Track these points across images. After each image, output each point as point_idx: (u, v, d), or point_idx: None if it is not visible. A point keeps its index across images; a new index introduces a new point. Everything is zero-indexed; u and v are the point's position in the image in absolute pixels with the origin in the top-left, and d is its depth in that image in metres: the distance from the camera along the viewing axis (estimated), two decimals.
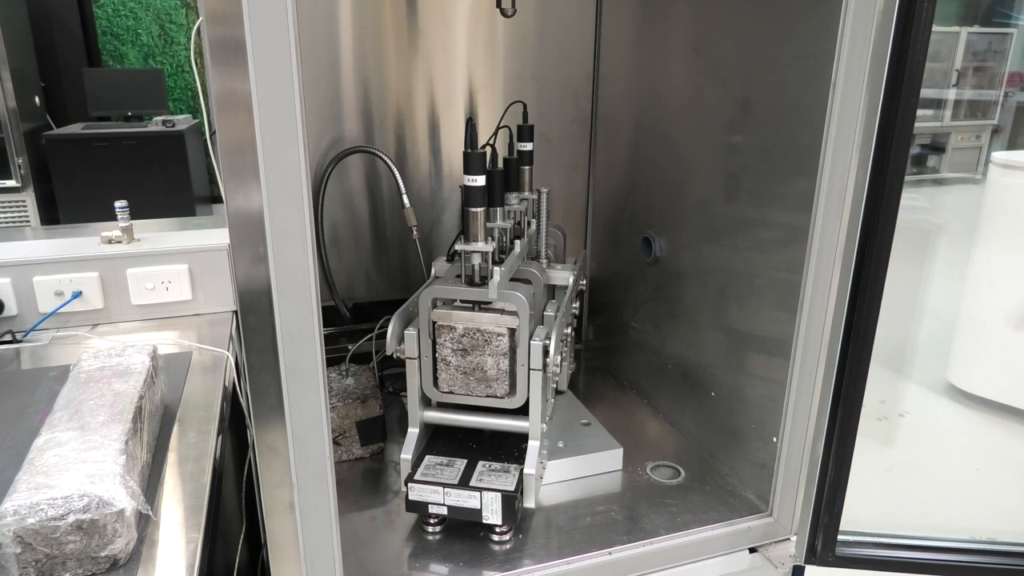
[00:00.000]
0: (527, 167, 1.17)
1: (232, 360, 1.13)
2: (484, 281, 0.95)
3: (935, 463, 1.97)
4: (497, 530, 0.95)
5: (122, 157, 3.61)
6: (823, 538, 1.00)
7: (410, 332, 0.98)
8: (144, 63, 4.31)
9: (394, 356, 0.99)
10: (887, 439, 2.09)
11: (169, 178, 3.69)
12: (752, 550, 1.02)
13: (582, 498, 1.05)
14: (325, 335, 0.70)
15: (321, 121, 1.30)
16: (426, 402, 1.04)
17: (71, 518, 0.64)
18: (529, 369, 0.96)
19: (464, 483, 0.95)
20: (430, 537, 0.96)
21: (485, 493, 0.93)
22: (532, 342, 0.95)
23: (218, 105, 0.60)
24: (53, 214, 3.56)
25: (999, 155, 2.31)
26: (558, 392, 1.26)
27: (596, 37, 1.41)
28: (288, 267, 0.65)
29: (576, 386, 1.40)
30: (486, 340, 0.97)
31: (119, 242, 1.30)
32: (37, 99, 3.72)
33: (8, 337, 1.20)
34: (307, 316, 0.67)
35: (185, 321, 1.29)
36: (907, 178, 0.86)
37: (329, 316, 1.39)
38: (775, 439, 0.99)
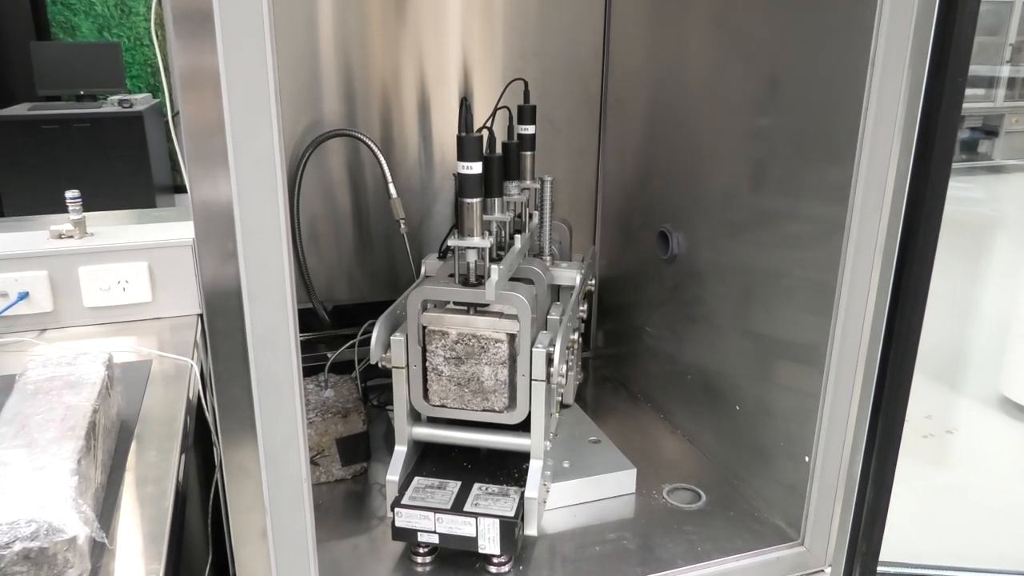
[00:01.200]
0: (529, 153, 1.17)
1: (197, 370, 1.13)
2: (480, 281, 0.96)
3: (987, 485, 1.97)
4: (495, 560, 0.96)
5: (74, 141, 3.61)
6: (861, 569, 1.01)
7: (397, 338, 0.98)
8: (99, 36, 4.31)
9: (379, 365, 1.00)
10: (933, 458, 2.09)
11: (126, 165, 3.69)
12: None
13: (590, 525, 1.05)
14: (302, 341, 0.70)
15: (298, 101, 1.30)
16: (415, 417, 1.04)
17: (17, 546, 0.64)
18: (531, 380, 0.96)
19: (458, 508, 0.95)
20: (419, 568, 0.96)
21: (481, 519, 0.93)
22: (534, 349, 0.95)
23: (182, 83, 0.60)
24: None
25: None
26: (563, 406, 1.26)
27: (606, 8, 1.41)
28: (260, 265, 0.65)
29: (584, 399, 1.40)
30: (482, 347, 0.97)
31: (70, 237, 1.30)
32: None
33: None
34: (282, 320, 0.67)
35: (144, 326, 1.29)
36: (955, 165, 0.87)
37: (306, 320, 1.39)
38: (807, 458, 0.99)
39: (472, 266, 0.96)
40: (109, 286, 1.27)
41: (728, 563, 0.99)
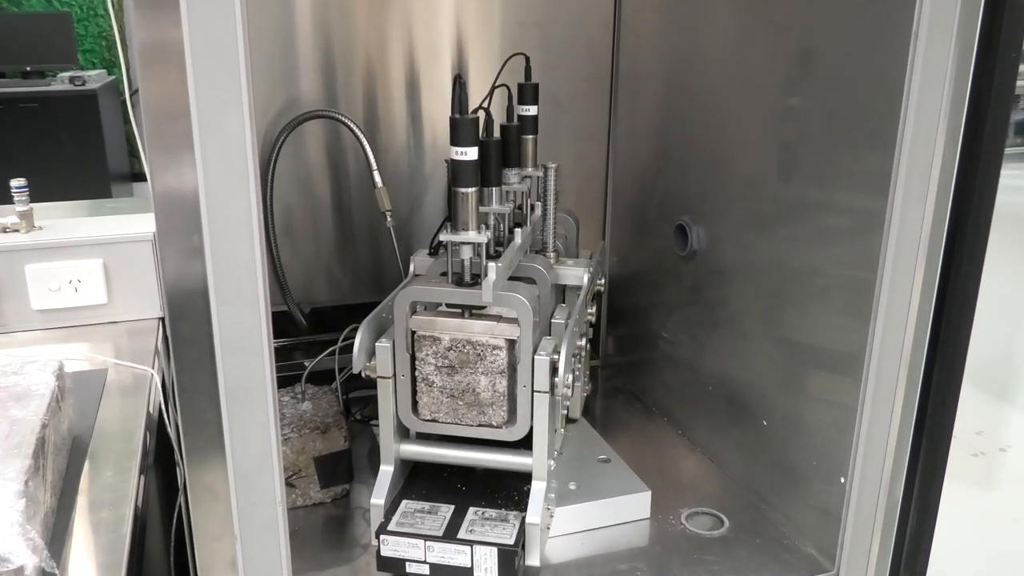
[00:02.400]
0: (530, 136, 1.17)
1: (158, 380, 1.13)
2: (476, 280, 0.96)
3: None
4: None
5: (19, 123, 3.62)
6: None
7: (383, 344, 0.98)
8: (47, 5, 4.31)
9: (363, 375, 1.00)
10: (984, 479, 2.09)
11: (79, 150, 3.69)
12: None
13: (599, 554, 1.05)
14: (276, 348, 0.70)
15: (271, 79, 1.30)
16: (403, 433, 1.04)
17: None
18: (533, 391, 0.97)
19: (451, 535, 0.95)
20: None
21: (477, 547, 0.94)
22: (536, 357, 0.95)
23: (142, 58, 0.61)
24: None
25: None
26: (569, 420, 1.27)
27: None
28: (230, 262, 0.65)
29: (592, 412, 1.41)
30: (478, 354, 0.97)
31: (16, 231, 1.30)
32: None
33: None
34: (254, 324, 0.67)
35: (99, 331, 1.30)
36: (1008, 150, 0.87)
37: (281, 324, 1.39)
38: (842, 479, 0.99)
39: (467, 264, 0.96)
40: (59, 286, 1.28)
41: None
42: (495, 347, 0.96)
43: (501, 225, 1.07)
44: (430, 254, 1.12)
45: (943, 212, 0.88)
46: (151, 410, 1.06)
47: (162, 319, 1.32)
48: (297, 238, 1.38)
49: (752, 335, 1.15)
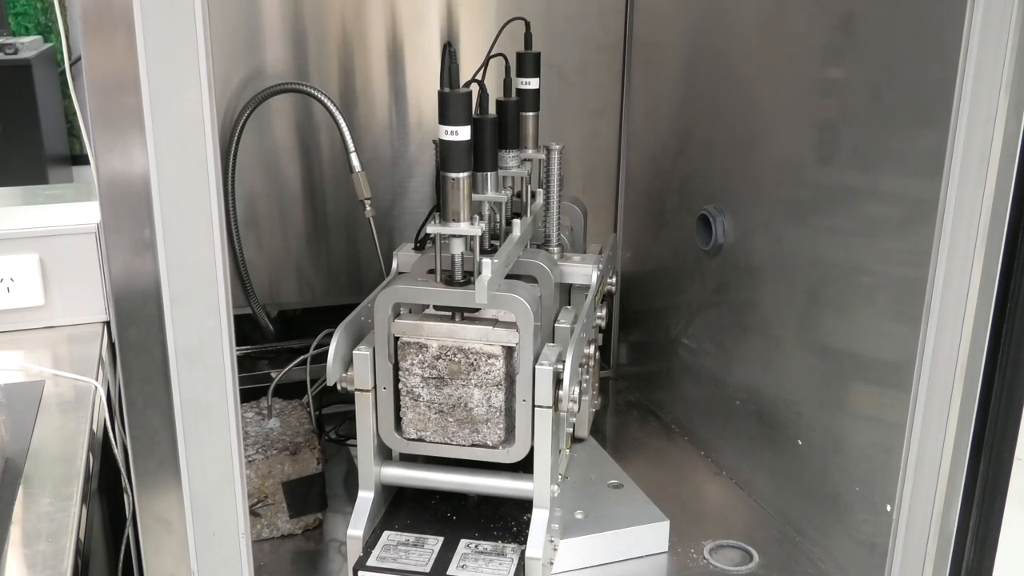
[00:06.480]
0: (531, 114, 1.18)
1: (103, 393, 1.13)
2: (469, 279, 0.96)
3: None
4: None
5: None
6: None
7: (361, 352, 0.98)
8: None
9: (338, 388, 1.00)
10: None
11: (10, 128, 3.68)
12: None
13: None
14: (239, 357, 0.70)
15: (233, 47, 1.30)
16: (384, 454, 1.04)
17: None
18: (534, 406, 0.97)
19: (439, 571, 0.95)
20: None
21: None
22: (538, 367, 0.95)
23: (84, 22, 0.61)
24: None
25: None
26: (576, 439, 1.27)
27: None
28: (186, 258, 0.66)
29: (602, 431, 1.41)
30: (471, 364, 0.97)
31: None
32: None
33: None
34: (213, 329, 0.67)
35: (35, 337, 1.30)
36: None
37: (244, 330, 1.39)
38: (889, 507, 1.00)
39: (458, 260, 0.96)
40: None
41: None
42: (490, 355, 0.97)
43: (497, 215, 1.07)
44: (415, 249, 1.12)
45: (1004, 198, 0.88)
46: (95, 428, 1.06)
47: (107, 323, 1.32)
48: (263, 231, 1.38)
49: (786, 342, 1.15)
